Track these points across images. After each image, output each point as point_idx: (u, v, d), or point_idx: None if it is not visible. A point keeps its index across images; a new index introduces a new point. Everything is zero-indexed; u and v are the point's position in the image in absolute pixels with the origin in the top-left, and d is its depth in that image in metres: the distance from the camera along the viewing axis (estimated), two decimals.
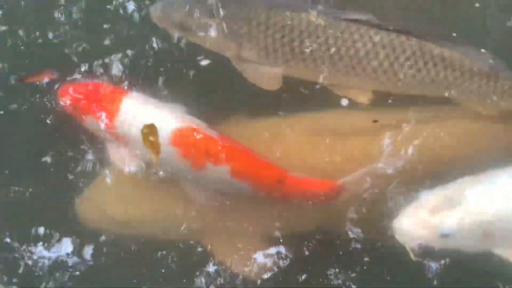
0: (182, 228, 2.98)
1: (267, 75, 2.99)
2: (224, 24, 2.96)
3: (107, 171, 3.07)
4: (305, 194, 2.83)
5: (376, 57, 2.98)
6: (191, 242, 3.03)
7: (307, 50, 2.96)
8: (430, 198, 2.83)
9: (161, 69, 3.21)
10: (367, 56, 2.98)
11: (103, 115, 2.81)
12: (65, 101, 2.89)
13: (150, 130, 2.75)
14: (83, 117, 2.87)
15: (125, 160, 2.88)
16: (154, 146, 2.76)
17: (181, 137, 2.78)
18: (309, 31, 2.97)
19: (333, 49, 2.96)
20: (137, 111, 2.83)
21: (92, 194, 3.12)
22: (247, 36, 2.95)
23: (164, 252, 3.02)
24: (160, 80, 3.16)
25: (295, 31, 2.96)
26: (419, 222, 2.77)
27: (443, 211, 2.77)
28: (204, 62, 3.20)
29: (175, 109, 2.88)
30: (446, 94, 3.03)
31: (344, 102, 3.08)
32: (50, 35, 3.29)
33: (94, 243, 3.03)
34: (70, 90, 2.90)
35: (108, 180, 3.06)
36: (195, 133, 2.78)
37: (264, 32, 2.94)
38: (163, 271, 3.00)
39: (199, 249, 3.01)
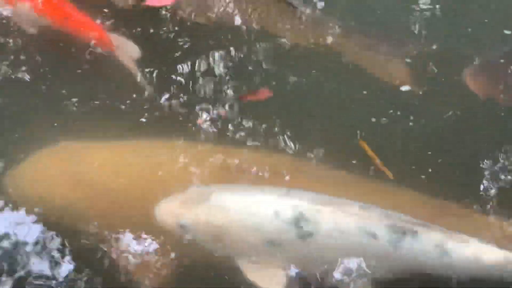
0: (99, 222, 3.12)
1: None
2: None
3: (44, 150, 3.30)
4: (85, 33, 3.73)
5: None
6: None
7: None
8: (190, 191, 3.01)
9: None
10: None
11: None
12: None
13: (363, 145, 3.36)
14: None
15: None
16: (373, 156, 3.32)
17: None
18: None
19: None
20: None
21: (25, 169, 3.25)
22: None
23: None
24: None
25: None
26: (168, 209, 2.97)
27: (190, 205, 2.94)
28: None
29: None
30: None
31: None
32: None
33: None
34: None
35: (42, 159, 3.27)
36: None
37: None
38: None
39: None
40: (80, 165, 3.26)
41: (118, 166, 3.28)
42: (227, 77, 3.65)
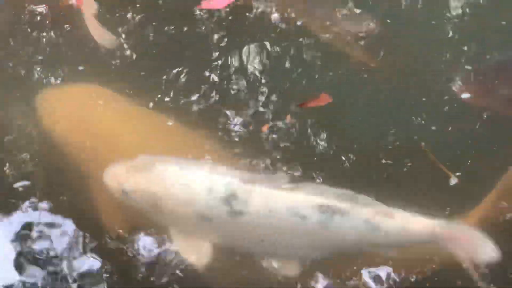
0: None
1: None
2: None
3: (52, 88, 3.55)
4: None
5: None
6: None
7: None
8: (139, 159, 3.11)
9: None
10: None
11: None
12: None
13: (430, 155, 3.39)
14: None
15: None
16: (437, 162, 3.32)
17: None
18: None
19: None
20: None
21: (56, 95, 3.51)
22: None
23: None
24: None
25: None
26: (113, 174, 3.08)
27: (134, 172, 3.04)
28: None
29: None
30: None
31: None
32: None
33: None
34: None
35: (48, 97, 3.50)
36: None
37: None
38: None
39: None
40: (80, 107, 3.46)
41: (112, 115, 3.43)
42: (282, 83, 3.64)
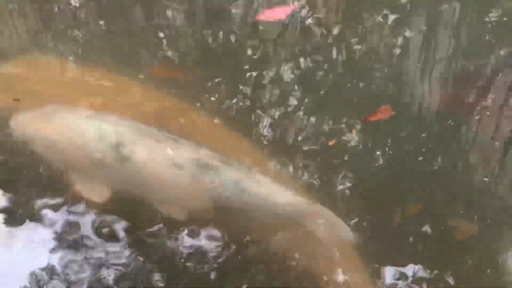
0: None
1: None
2: None
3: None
4: None
5: None
6: None
7: None
8: (46, 108, 3.31)
9: None
10: None
11: None
12: None
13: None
14: None
15: None
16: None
17: None
18: None
19: None
20: None
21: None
22: None
23: None
24: None
25: None
26: (19, 121, 3.28)
27: (37, 119, 3.25)
28: None
29: None
30: None
31: None
32: None
33: None
34: None
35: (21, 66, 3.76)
36: None
37: None
38: None
39: None
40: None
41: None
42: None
